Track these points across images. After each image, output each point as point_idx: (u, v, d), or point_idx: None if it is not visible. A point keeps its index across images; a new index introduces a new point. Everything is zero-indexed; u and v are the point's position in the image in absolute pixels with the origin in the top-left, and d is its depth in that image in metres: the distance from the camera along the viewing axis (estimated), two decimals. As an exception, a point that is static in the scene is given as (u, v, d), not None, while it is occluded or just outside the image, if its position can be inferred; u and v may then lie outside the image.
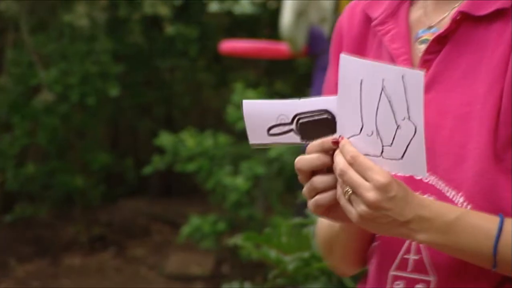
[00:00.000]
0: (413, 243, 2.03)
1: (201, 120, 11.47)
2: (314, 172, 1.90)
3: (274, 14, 10.82)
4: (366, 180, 1.80)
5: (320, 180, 1.88)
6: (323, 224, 2.17)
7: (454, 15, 2.00)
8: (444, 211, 1.87)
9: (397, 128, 1.81)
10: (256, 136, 1.94)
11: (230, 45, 8.41)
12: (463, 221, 1.86)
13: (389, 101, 1.81)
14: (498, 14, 1.98)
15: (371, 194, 1.79)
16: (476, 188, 1.91)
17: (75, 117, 11.19)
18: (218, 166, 8.67)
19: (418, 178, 1.89)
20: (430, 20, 2.09)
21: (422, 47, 2.05)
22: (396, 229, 1.86)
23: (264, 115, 1.92)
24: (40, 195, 11.89)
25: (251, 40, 10.64)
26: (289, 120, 1.90)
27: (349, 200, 1.84)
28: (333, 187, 1.88)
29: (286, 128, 1.91)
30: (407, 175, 1.85)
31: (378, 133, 1.83)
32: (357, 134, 1.85)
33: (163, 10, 10.31)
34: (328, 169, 1.88)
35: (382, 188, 1.79)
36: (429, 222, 1.85)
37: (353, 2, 2.24)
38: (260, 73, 12.53)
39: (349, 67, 1.84)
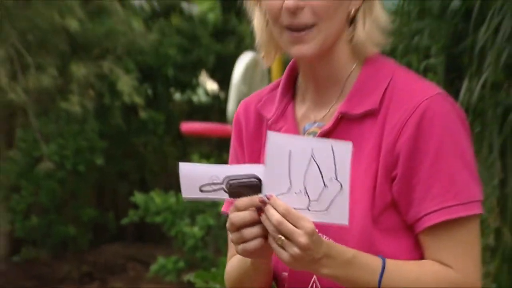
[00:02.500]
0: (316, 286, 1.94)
1: (167, 183, 11.48)
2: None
3: (223, 102, 10.90)
4: (298, 228, 1.72)
5: (249, 232, 1.76)
6: (233, 266, 2.03)
7: (336, 115, 1.93)
8: (344, 250, 1.79)
9: (324, 186, 1.76)
10: (189, 192, 1.82)
11: (189, 126, 8.49)
12: (357, 259, 1.80)
13: (318, 166, 1.76)
14: (369, 113, 1.90)
15: (303, 239, 1.71)
16: (359, 244, 1.85)
17: (69, 181, 11.19)
18: (179, 218, 8.70)
19: (341, 225, 1.77)
20: (314, 116, 1.99)
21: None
22: (310, 265, 1.77)
23: (198, 175, 1.82)
24: (41, 241, 11.86)
25: (205, 122, 10.75)
26: (220, 181, 1.79)
27: (281, 246, 1.73)
28: (258, 236, 1.76)
29: (217, 187, 1.80)
30: (331, 223, 1.78)
31: (306, 191, 1.76)
32: (285, 193, 1.76)
33: (138, 100, 10.34)
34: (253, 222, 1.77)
35: (310, 233, 1.72)
36: (334, 259, 1.78)
37: (246, 100, 2.17)
38: (212, 148, 12.57)
39: (278, 141, 1.78)
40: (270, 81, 8.19)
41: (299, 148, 1.77)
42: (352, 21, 1.91)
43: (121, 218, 9.92)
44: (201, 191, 1.81)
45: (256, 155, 2.04)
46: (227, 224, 1.80)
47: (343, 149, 1.76)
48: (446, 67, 4.28)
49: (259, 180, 1.79)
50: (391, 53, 5.37)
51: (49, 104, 11.12)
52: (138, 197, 8.89)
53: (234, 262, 2.03)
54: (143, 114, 10.82)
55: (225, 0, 11.65)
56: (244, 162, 2.02)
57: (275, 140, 1.78)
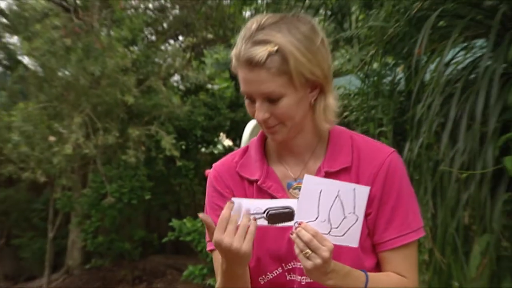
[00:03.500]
0: None
1: (195, 212, 11.46)
2: None
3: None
4: (323, 245, 1.71)
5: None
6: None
7: (318, 172, 1.92)
8: (343, 266, 1.79)
9: (344, 218, 1.76)
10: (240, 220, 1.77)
11: (211, 172, 8.49)
12: (351, 273, 1.81)
13: (341, 202, 1.75)
14: (344, 170, 1.90)
15: (326, 254, 1.70)
16: (353, 262, 1.86)
17: (125, 211, 11.18)
18: (204, 238, 8.68)
19: (352, 246, 1.77)
20: (292, 174, 1.96)
21: (297, 192, 1.92)
22: (322, 276, 1.76)
23: (245, 207, 1.77)
24: (105, 254, 11.82)
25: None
26: (262, 211, 1.76)
27: (308, 258, 1.71)
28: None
29: (259, 216, 1.76)
30: (345, 245, 1.78)
31: (329, 220, 1.76)
32: (313, 221, 1.76)
33: (175, 152, 10.35)
34: None
35: (331, 250, 1.71)
36: (337, 273, 1.77)
37: (218, 164, 2.07)
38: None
39: (312, 182, 1.76)
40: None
41: (329, 188, 1.76)
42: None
43: (163, 237, 9.84)
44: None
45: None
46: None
47: (363, 191, 1.77)
48: (393, 132, 4.27)
49: (292, 210, 1.77)
50: (355, 121, 5.36)
51: (112, 156, 11.14)
52: (175, 222, 8.86)
53: (219, 281, 1.94)
54: (178, 163, 10.81)
55: (237, 81, 11.68)
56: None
57: (309, 181, 1.76)
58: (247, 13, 13.24)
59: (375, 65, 4.44)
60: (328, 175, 1.90)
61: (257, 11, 13.24)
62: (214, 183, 2.05)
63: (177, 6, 13.17)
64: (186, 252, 12.01)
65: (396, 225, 1.89)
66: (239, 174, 2.01)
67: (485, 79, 3.22)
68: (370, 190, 1.83)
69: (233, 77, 11.77)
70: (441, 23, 3.94)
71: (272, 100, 1.82)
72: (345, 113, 5.76)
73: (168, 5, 13.37)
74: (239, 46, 1.82)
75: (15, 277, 12.94)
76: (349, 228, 1.78)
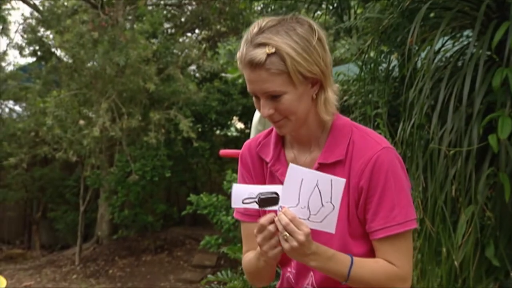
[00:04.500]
0: (312, 279, 1.97)
1: (211, 188, 11.49)
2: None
3: (247, 136, 10.88)
4: (299, 229, 1.73)
5: (275, 241, 1.78)
6: (250, 261, 1.99)
7: (316, 165, 1.92)
8: (327, 250, 1.80)
9: (322, 206, 1.77)
10: (236, 203, 1.80)
11: (225, 151, 8.48)
12: (335, 256, 1.81)
13: (320, 192, 1.76)
14: (338, 162, 1.90)
15: (301, 237, 1.72)
16: (339, 247, 1.86)
17: (148, 187, 11.21)
18: (219, 211, 8.69)
19: (329, 232, 1.79)
20: (299, 161, 1.96)
21: None
22: (302, 257, 1.78)
23: (241, 192, 1.81)
24: (130, 225, 11.87)
25: (236, 149, 10.72)
26: (255, 196, 1.80)
27: (286, 240, 1.74)
28: (278, 243, 1.78)
29: (252, 200, 1.80)
30: (323, 230, 1.79)
31: (308, 207, 1.77)
32: (294, 206, 1.77)
33: (192, 134, 10.35)
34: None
35: (307, 235, 1.73)
36: (320, 255, 1.79)
37: (248, 142, 2.09)
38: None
39: (295, 171, 1.77)
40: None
41: (309, 178, 1.77)
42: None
43: (182, 211, 9.87)
44: (243, 203, 1.82)
45: (261, 183, 2.00)
46: (260, 239, 1.79)
47: (339, 182, 1.77)
48: (388, 114, 4.26)
49: (278, 195, 1.79)
50: (354, 104, 5.35)
51: (136, 138, 11.16)
52: (192, 197, 8.87)
53: (250, 257, 2.00)
54: (195, 144, 10.81)
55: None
56: (253, 183, 1.97)
57: (293, 170, 1.78)
58: (257, 8, 13.20)
59: (372, 54, 4.42)
60: (322, 166, 1.90)
61: (265, 6, 13.19)
62: (240, 159, 2.09)
63: (194, 2, 13.14)
64: (203, 224, 12.06)
65: (381, 217, 1.87)
66: (258, 154, 2.03)
67: (471, 65, 3.21)
68: (359, 183, 1.87)
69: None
70: (431, 14, 3.92)
71: (274, 97, 1.83)
72: (345, 97, 5.74)
73: (186, 1, 13.34)
74: (242, 49, 1.84)
75: (51, 246, 13.04)
76: (327, 216, 1.78)
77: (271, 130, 2.05)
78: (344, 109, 8.01)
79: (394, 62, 4.50)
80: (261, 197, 1.80)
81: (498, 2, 3.57)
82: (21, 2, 12.08)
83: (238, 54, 1.86)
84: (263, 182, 2.01)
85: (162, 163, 10.89)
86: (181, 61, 11.21)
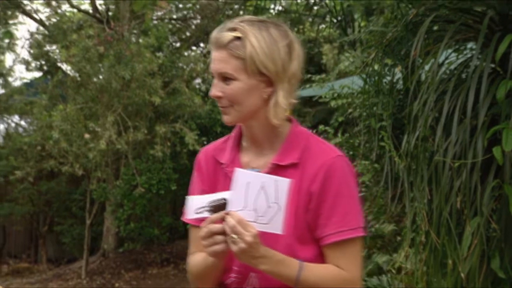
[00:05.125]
0: (252, 280, 1.95)
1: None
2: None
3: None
4: (246, 231, 1.75)
5: (219, 238, 1.78)
6: (197, 261, 2.02)
7: (269, 165, 1.94)
8: (276, 253, 1.82)
9: (268, 207, 1.78)
10: (190, 214, 1.87)
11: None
12: (285, 260, 1.83)
13: (265, 193, 1.78)
14: (293, 164, 1.92)
15: (249, 238, 1.74)
16: (286, 252, 1.86)
17: (154, 200, 11.21)
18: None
19: (277, 233, 1.80)
20: (254, 164, 1.97)
21: None
22: (251, 260, 1.79)
23: (194, 203, 1.86)
24: (136, 238, 11.87)
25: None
26: (205, 205, 1.84)
27: (233, 242, 1.75)
28: (224, 242, 1.79)
29: (204, 209, 1.84)
30: (270, 232, 1.80)
31: (255, 209, 1.79)
32: (241, 209, 1.78)
33: (198, 147, 10.37)
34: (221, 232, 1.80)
35: (254, 236, 1.75)
36: (269, 259, 1.81)
37: (205, 149, 2.11)
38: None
39: (241, 175, 1.80)
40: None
41: (254, 180, 1.80)
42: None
43: (187, 224, 9.86)
44: (196, 213, 1.86)
45: (213, 188, 2.00)
46: (204, 232, 1.81)
47: (284, 183, 1.80)
48: (393, 127, 4.26)
49: (227, 201, 1.82)
50: (358, 117, 5.35)
51: (142, 151, 11.18)
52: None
53: (196, 259, 2.03)
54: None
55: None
56: (204, 193, 1.96)
57: (239, 174, 1.81)
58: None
59: (376, 66, 4.43)
60: (275, 168, 1.93)
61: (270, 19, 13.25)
62: (195, 164, 2.12)
63: (198, 16, 13.18)
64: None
65: (334, 222, 1.89)
66: (214, 157, 2.05)
67: (475, 77, 3.21)
68: (310, 188, 1.89)
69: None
70: (434, 27, 3.93)
71: (226, 80, 1.88)
72: (350, 110, 5.76)
73: (191, 15, 13.39)
74: (215, 31, 1.93)
75: (57, 259, 13.03)
76: (273, 217, 1.79)
77: (229, 137, 2.08)
78: (349, 122, 8.02)
79: (398, 75, 4.51)
80: (212, 204, 1.83)
81: (502, 15, 3.59)
82: (27, 18, 12.15)
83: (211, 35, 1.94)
84: (214, 184, 2.02)
85: (168, 176, 10.89)
86: (187, 75, 11.24)
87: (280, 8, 13.01)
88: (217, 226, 1.80)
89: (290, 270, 1.84)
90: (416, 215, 3.56)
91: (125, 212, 11.18)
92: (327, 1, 5.39)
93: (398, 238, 5.42)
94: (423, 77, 3.93)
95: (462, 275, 3.17)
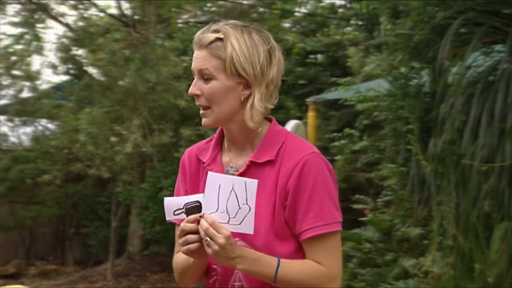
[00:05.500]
0: (238, 276, 1.99)
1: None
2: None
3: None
4: (219, 233, 1.80)
5: (191, 237, 1.85)
6: (180, 260, 2.08)
7: (247, 162, 1.99)
8: (252, 252, 1.87)
9: (239, 208, 1.84)
10: (168, 216, 1.93)
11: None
12: (261, 259, 1.87)
13: (236, 195, 1.83)
14: (269, 162, 1.97)
15: (221, 240, 1.80)
16: (264, 248, 1.91)
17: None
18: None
19: (248, 233, 1.86)
20: (233, 162, 2.03)
21: None
22: (228, 260, 1.84)
23: (172, 204, 1.92)
24: (161, 241, 11.92)
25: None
26: (182, 207, 1.89)
27: (208, 245, 1.81)
28: (197, 241, 1.85)
29: (181, 211, 1.90)
30: (242, 232, 1.86)
31: (227, 211, 1.84)
32: (214, 212, 1.84)
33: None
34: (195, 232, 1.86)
35: (227, 238, 1.80)
36: (245, 258, 1.85)
37: (189, 149, 2.17)
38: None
39: (212, 178, 1.86)
40: (306, 138, 8.16)
41: (225, 183, 1.85)
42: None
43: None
44: (174, 214, 1.92)
45: (196, 186, 2.07)
46: (178, 231, 1.90)
47: (252, 184, 1.85)
48: (419, 130, 4.25)
49: (201, 203, 1.88)
50: (384, 120, 5.34)
51: (167, 154, 11.22)
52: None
53: (180, 258, 2.08)
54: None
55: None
56: (187, 193, 2.05)
57: (211, 177, 1.87)
58: (287, 25, 13.26)
59: (403, 69, 4.42)
60: (252, 165, 1.98)
61: (295, 23, 13.25)
62: (180, 164, 2.18)
63: (223, 20, 13.21)
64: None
65: (310, 218, 1.92)
66: (197, 156, 2.11)
67: (503, 80, 3.19)
68: (286, 184, 1.93)
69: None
70: (462, 30, 3.91)
71: (205, 79, 1.96)
72: (375, 113, 5.74)
73: (215, 19, 13.44)
74: (200, 32, 2.02)
75: (84, 261, 13.12)
76: (244, 217, 1.84)
77: (212, 138, 2.14)
78: (374, 125, 7.98)
79: (425, 78, 4.50)
80: (187, 207, 1.88)
81: (530, 17, 3.56)
82: (55, 22, 12.27)
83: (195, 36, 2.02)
84: (197, 183, 2.08)
85: (193, 179, 10.93)
86: (211, 78, 11.26)
87: (306, 11, 13.01)
88: (190, 226, 1.87)
89: (267, 267, 1.88)
90: (443, 218, 3.54)
91: (150, 215, 11.24)
92: (352, 4, 5.39)
93: (425, 241, 5.39)
94: (450, 80, 3.91)
95: (490, 279, 3.15)
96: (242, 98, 1.96)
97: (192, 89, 1.98)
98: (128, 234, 12.37)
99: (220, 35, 1.96)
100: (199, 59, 1.97)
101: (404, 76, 4.42)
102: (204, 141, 2.16)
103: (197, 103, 1.99)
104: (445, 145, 3.51)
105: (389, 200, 6.16)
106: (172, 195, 2.09)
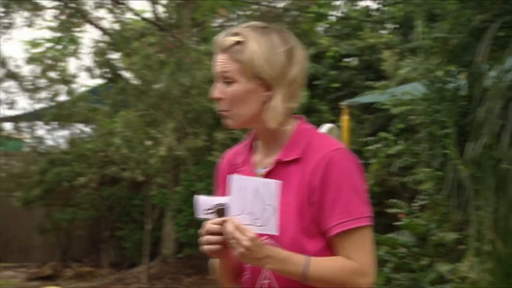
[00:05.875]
0: (266, 274, 1.99)
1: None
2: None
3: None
4: (244, 236, 1.82)
5: (212, 238, 1.91)
6: (214, 262, 2.13)
7: (274, 161, 2.01)
8: (280, 252, 1.88)
9: (264, 209, 1.85)
10: (198, 214, 1.96)
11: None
12: (289, 258, 1.88)
13: (260, 196, 1.85)
14: (296, 160, 1.98)
15: (246, 243, 1.82)
16: (292, 247, 1.92)
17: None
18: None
19: (273, 234, 1.88)
20: (263, 163, 2.05)
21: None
22: (256, 261, 1.86)
23: (203, 203, 1.94)
24: (195, 244, 11.94)
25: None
26: (211, 207, 1.93)
27: (234, 247, 1.84)
28: (217, 242, 1.90)
29: (210, 211, 1.93)
30: (267, 233, 1.88)
31: (252, 213, 1.86)
32: (239, 214, 1.87)
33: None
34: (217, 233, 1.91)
35: (252, 240, 1.82)
36: (273, 258, 1.86)
37: (226, 153, 2.21)
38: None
39: (237, 180, 1.88)
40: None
41: (249, 185, 1.87)
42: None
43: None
44: (204, 213, 1.95)
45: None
46: (202, 231, 1.95)
47: (275, 185, 1.86)
48: (456, 134, 4.21)
49: (227, 205, 1.90)
50: (420, 124, 5.30)
51: (201, 157, 11.27)
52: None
53: (216, 261, 2.13)
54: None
55: (311, 90, 11.59)
56: (222, 195, 2.06)
57: (235, 180, 1.89)
58: (321, 29, 13.23)
59: (439, 73, 4.39)
60: (278, 164, 2.00)
61: (330, 26, 13.22)
62: (218, 170, 2.22)
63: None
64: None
65: (336, 214, 1.92)
66: (231, 160, 2.15)
67: (543, 83, 3.15)
68: (312, 181, 1.94)
69: (308, 86, 11.80)
70: (500, 33, 3.86)
71: (227, 83, 1.98)
72: (411, 117, 5.70)
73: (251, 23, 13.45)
74: (220, 35, 2.04)
75: (119, 264, 13.23)
76: (269, 218, 1.86)
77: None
78: (409, 129, 7.92)
79: (462, 81, 4.46)
80: (218, 208, 1.92)
81: None
82: (91, 26, 12.42)
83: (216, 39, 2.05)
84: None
85: (227, 183, 10.95)
86: (245, 82, 11.29)
87: (340, 14, 12.98)
88: (213, 227, 1.91)
89: (296, 266, 1.89)
90: (481, 223, 3.51)
91: (184, 218, 11.30)
92: (387, 7, 5.37)
93: (461, 246, 5.33)
94: (487, 83, 3.87)
95: (530, 285, 3.11)
96: (264, 100, 1.98)
97: (214, 93, 2.01)
98: (162, 237, 12.45)
99: (239, 38, 1.98)
100: (220, 63, 2.00)
101: (440, 80, 4.38)
102: (240, 145, 2.19)
103: (219, 107, 2.02)
104: (483, 149, 3.47)
105: (424, 205, 6.10)
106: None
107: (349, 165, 1.97)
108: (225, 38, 2.00)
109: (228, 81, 1.98)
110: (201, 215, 1.96)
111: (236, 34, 2.00)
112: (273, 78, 1.97)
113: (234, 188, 1.88)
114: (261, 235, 1.87)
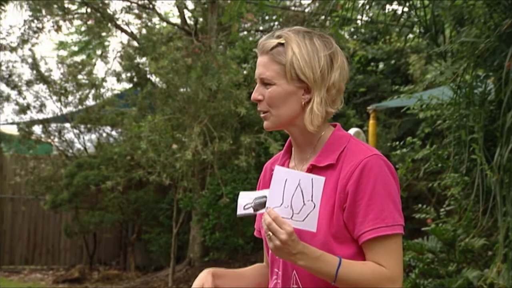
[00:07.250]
0: (296, 279, 2.01)
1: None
2: None
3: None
4: (281, 228, 1.81)
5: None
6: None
7: (308, 166, 2.02)
8: (314, 250, 1.87)
9: (304, 205, 1.84)
10: (239, 210, 1.95)
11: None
12: (323, 257, 1.87)
13: (301, 191, 1.83)
14: (330, 165, 1.98)
15: (283, 236, 1.80)
16: (321, 249, 1.91)
17: (239, 210, 11.30)
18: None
19: (311, 231, 1.86)
20: (298, 168, 2.07)
21: None
22: (289, 256, 1.85)
23: (244, 200, 1.95)
24: (221, 248, 12.00)
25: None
26: (251, 201, 1.93)
27: (270, 239, 1.83)
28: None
29: (250, 205, 1.93)
30: (305, 229, 1.86)
31: (291, 206, 1.84)
32: (278, 206, 1.84)
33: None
34: None
35: (290, 234, 1.81)
36: (307, 255, 1.85)
37: (270, 160, 2.25)
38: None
39: (279, 172, 1.86)
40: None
41: (291, 178, 1.85)
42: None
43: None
44: (244, 209, 1.96)
45: None
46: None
47: (319, 181, 1.85)
48: (484, 139, 4.17)
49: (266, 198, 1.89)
50: (447, 129, 5.26)
51: (227, 161, 11.30)
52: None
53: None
54: (286, 168, 10.82)
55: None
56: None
57: (277, 171, 1.87)
58: (345, 32, 13.19)
59: (467, 77, 4.36)
60: (313, 168, 2.01)
61: (356, 30, 13.17)
62: (263, 171, 2.27)
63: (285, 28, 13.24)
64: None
65: (370, 219, 1.92)
66: (270, 167, 2.19)
67: None
68: (345, 187, 1.94)
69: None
70: (529, 37, 3.83)
71: (266, 84, 2.01)
72: (438, 122, 5.67)
73: (276, 27, 13.49)
74: (264, 38, 2.08)
75: (145, 267, 13.33)
76: (308, 214, 1.84)
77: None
78: (436, 133, 7.86)
79: (491, 86, 4.42)
80: (256, 201, 1.92)
81: None
82: (119, 31, 12.53)
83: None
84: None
85: (252, 186, 10.95)
86: (272, 86, 11.29)
87: (367, 18, 12.92)
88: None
89: (328, 265, 1.89)
90: (509, 229, 3.47)
91: (210, 222, 11.34)
92: (415, 11, 5.34)
93: (489, 252, 5.28)
94: (516, 88, 3.84)
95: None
96: (303, 102, 2.00)
97: (254, 95, 2.04)
98: (188, 240, 12.50)
99: (282, 41, 2.01)
100: (261, 64, 2.02)
101: (468, 85, 4.35)
102: (278, 154, 2.22)
103: (258, 108, 2.05)
104: (511, 154, 3.43)
105: (451, 210, 6.06)
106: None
107: (385, 171, 1.97)
108: (268, 41, 2.04)
109: (268, 82, 2.01)
110: (241, 211, 1.97)
111: (278, 37, 2.03)
112: (313, 81, 1.99)
113: (275, 179, 1.87)
114: (296, 230, 1.86)
